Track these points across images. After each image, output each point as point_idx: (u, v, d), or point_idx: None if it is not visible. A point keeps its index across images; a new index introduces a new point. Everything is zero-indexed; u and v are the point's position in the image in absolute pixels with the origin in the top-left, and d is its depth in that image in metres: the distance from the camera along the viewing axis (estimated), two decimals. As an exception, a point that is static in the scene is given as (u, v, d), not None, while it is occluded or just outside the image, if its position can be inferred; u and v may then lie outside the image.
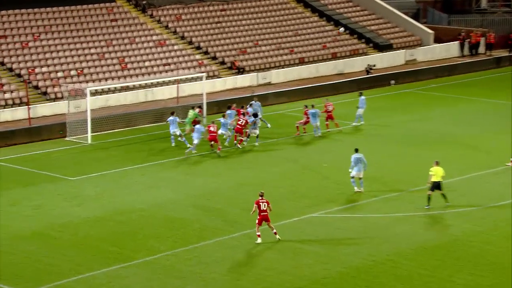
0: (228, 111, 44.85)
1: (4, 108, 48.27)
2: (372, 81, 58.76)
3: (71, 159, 41.55)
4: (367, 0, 69.45)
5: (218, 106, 50.02)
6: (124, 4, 60.60)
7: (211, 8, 63.24)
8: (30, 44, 53.61)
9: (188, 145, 42.41)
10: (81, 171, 38.92)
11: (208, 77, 53.99)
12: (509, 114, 49.27)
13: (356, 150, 35.43)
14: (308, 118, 44.86)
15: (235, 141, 43.03)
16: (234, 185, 36.78)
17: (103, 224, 31.95)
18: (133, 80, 52.94)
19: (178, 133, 43.00)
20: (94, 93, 47.99)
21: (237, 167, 39.93)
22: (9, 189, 36.35)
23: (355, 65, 61.93)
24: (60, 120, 46.53)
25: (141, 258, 28.37)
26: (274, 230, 29.83)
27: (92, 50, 54.78)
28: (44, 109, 48.81)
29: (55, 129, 45.50)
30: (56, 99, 50.10)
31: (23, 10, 55.70)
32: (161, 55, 56.59)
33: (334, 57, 62.65)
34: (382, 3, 69.62)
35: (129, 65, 54.74)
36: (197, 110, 44.82)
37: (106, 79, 52.43)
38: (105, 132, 46.03)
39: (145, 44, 57.04)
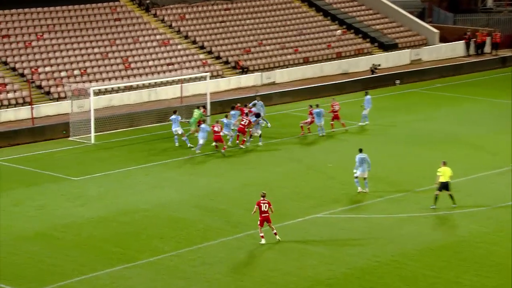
0: (232, 112, 44.72)
1: (7, 108, 48.18)
2: (377, 81, 58.60)
3: (74, 159, 41.46)
4: (372, -1, 69.41)
5: (222, 106, 49.86)
6: (128, 4, 60.48)
7: (215, 7, 63.11)
8: (33, 43, 53.50)
9: (189, 145, 42.24)
10: (84, 171, 38.83)
11: (212, 77, 53.89)
12: (515, 114, 49.19)
13: (360, 150, 35.28)
14: (313, 118, 44.71)
15: (237, 141, 42.87)
16: (238, 185, 36.66)
17: (107, 224, 31.85)
18: (137, 79, 52.84)
19: (180, 132, 42.87)
20: (98, 93, 47.88)
21: (241, 167, 39.80)
22: (12, 189, 36.29)
23: (360, 65, 61.76)
24: (63, 120, 46.44)
25: (145, 258, 28.29)
26: (275, 231, 29.71)
27: (96, 50, 54.67)
28: (47, 109, 48.71)
29: (58, 129, 45.43)
30: (59, 98, 50.00)
31: (26, 10, 55.63)
32: (165, 54, 56.47)
33: (339, 56, 62.46)
34: (387, 2, 69.43)
35: (132, 65, 54.62)
36: (201, 110, 44.70)
37: (110, 79, 52.31)
38: (109, 132, 45.95)
39: (149, 44, 56.92)
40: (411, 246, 29.27)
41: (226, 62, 58.43)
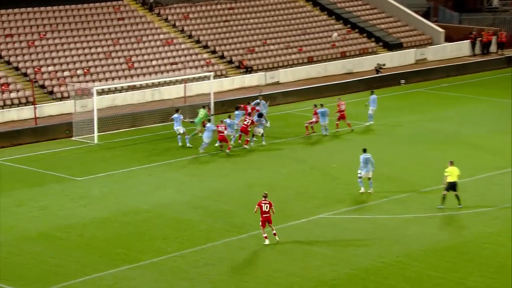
0: (236, 112, 44.59)
1: (10, 107, 48.07)
2: (381, 81, 58.39)
3: (77, 159, 41.35)
4: (376, -2, 69.22)
5: (226, 105, 49.69)
6: (131, 3, 60.37)
7: (218, 6, 62.96)
8: (36, 43, 53.40)
9: (188, 145, 42.09)
10: (87, 171, 38.72)
11: (215, 76, 53.75)
12: (521, 114, 48.98)
13: (364, 150, 35.12)
14: (317, 117, 44.54)
15: (240, 141, 42.72)
16: (242, 185, 36.53)
17: (110, 225, 31.76)
18: (140, 79, 52.74)
19: (181, 131, 42.74)
20: (101, 93, 47.76)
21: (245, 167, 39.65)
22: (15, 190, 36.19)
23: (365, 65, 61.57)
24: (66, 119, 46.33)
25: (148, 259, 28.19)
26: (274, 231, 29.60)
27: (99, 49, 54.55)
28: (50, 109, 48.60)
29: (61, 129, 45.31)
30: (62, 98, 49.89)
31: (29, 9, 55.54)
32: (168, 54, 56.33)
33: (343, 56, 62.27)
34: (392, 1, 69.20)
35: (136, 64, 54.49)
36: (207, 109, 44.58)
37: (113, 79, 52.19)
38: (112, 132, 45.84)
39: (152, 43, 56.78)
40: (416, 247, 29.14)
41: (230, 62, 58.28)
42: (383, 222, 31.89)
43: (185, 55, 56.85)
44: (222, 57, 58.48)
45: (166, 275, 26.96)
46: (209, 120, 43.02)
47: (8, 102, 48.28)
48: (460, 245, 29.50)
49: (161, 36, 57.68)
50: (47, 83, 50.61)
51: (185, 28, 59.95)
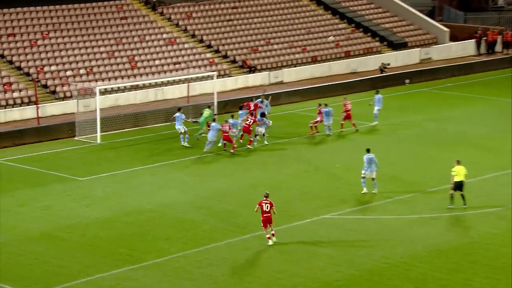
0: (240, 111, 44.47)
1: (13, 107, 47.98)
2: (386, 80, 58.22)
3: (80, 159, 41.26)
4: (381, -2, 69.06)
5: (229, 105, 49.55)
6: (134, 2, 60.27)
7: (222, 5, 62.83)
8: (39, 42, 53.30)
9: (185, 144, 42.04)
10: (90, 171, 38.62)
11: (219, 76, 53.66)
12: (527, 114, 48.79)
13: (368, 150, 34.95)
14: (322, 117, 44.38)
15: (241, 141, 42.57)
16: (246, 185, 36.40)
17: (113, 225, 31.67)
18: (143, 79, 52.64)
19: (182, 130, 42.62)
20: (104, 92, 47.65)
21: (248, 167, 39.51)
22: (17, 190, 36.13)
23: (369, 64, 61.39)
24: (69, 119, 46.23)
25: (151, 259, 28.11)
26: (273, 232, 29.50)
27: (102, 49, 54.44)
28: (53, 108, 48.50)
29: (64, 129, 45.22)
30: (65, 98, 49.80)
31: (31, 8, 55.47)
32: (172, 53, 56.21)
33: (347, 55, 62.10)
34: (397, 0, 69.05)
35: (139, 64, 54.37)
36: (211, 109, 44.54)
37: (116, 78, 52.09)
38: (115, 131, 45.75)
39: (155, 43, 56.67)
40: (420, 248, 29.00)
41: (233, 61, 58.13)
42: (388, 222, 31.73)
43: (188, 55, 56.72)
44: (225, 56, 58.33)
45: (169, 275, 26.85)
46: (213, 120, 42.89)
47: (11, 101, 48.18)
48: (465, 246, 29.35)
49: (164, 36, 57.55)
50: (49, 82, 50.50)
51: (188, 27, 59.82)
